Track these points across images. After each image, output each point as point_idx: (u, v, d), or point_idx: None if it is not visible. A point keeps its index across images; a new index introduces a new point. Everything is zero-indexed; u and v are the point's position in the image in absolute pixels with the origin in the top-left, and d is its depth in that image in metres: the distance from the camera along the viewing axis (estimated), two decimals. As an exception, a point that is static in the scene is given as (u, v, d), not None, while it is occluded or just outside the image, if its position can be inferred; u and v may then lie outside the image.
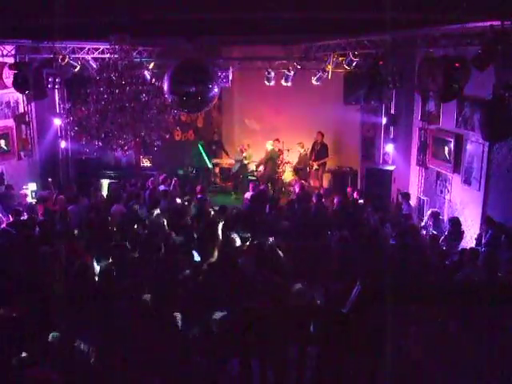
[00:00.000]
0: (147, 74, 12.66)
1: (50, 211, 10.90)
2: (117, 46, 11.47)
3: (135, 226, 9.88)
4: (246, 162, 15.55)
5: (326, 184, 15.51)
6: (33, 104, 13.80)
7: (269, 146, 15.18)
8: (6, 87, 12.97)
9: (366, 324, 3.57)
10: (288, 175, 15.80)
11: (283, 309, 6.05)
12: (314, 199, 11.60)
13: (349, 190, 13.36)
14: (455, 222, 10.02)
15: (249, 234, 8.98)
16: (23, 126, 13.73)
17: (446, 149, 11.55)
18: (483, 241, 9.32)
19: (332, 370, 4.16)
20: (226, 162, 16.27)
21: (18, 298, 6.61)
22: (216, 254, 8.41)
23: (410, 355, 4.00)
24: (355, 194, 12.53)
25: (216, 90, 11.37)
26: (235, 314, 6.05)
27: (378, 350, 3.65)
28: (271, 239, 8.46)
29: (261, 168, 15.52)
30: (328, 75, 13.10)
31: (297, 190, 13.08)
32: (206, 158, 15.69)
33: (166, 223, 9.87)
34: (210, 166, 15.78)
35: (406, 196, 12.14)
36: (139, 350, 5.60)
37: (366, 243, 8.76)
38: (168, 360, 5.58)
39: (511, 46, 7.75)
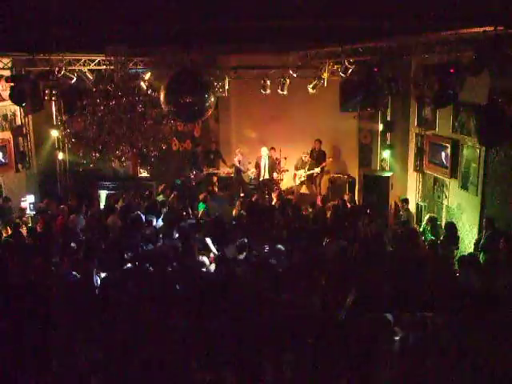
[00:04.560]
0: (143, 85, 12.67)
1: (50, 223, 10.89)
2: (112, 58, 11.49)
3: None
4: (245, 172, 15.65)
5: (324, 191, 15.52)
6: (30, 116, 13.82)
7: (264, 152, 15.27)
8: (2, 100, 13.00)
9: (361, 330, 3.58)
10: (286, 183, 15.83)
11: (280, 315, 6.08)
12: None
13: (346, 197, 13.39)
14: (450, 227, 10.04)
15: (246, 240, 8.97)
16: (20, 139, 13.75)
17: (443, 154, 11.58)
18: (481, 243, 9.34)
19: (327, 374, 4.17)
20: (224, 171, 16.29)
21: (17, 310, 6.61)
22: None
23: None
24: (352, 201, 12.55)
25: (212, 99, 11.40)
26: (234, 320, 6.08)
27: (373, 356, 3.66)
28: (267, 247, 8.48)
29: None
30: (324, 83, 13.15)
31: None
32: None
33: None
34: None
35: (405, 202, 12.15)
36: (141, 360, 5.60)
37: (364, 250, 8.76)
38: (169, 370, 5.57)
39: (505, 52, 7.78)
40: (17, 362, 5.44)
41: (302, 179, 15.38)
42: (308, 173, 15.22)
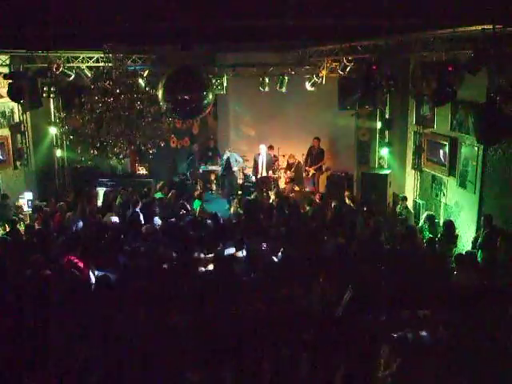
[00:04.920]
0: (142, 82, 12.66)
1: (48, 220, 10.87)
2: (111, 55, 11.48)
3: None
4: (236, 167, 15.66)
5: (322, 189, 15.53)
6: (28, 113, 13.79)
7: (262, 149, 15.28)
8: (0, 97, 12.97)
9: (358, 327, 3.57)
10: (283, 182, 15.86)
11: (278, 312, 6.07)
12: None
13: (346, 193, 13.37)
14: (449, 225, 10.05)
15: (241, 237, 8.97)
16: (19, 136, 13.73)
17: (441, 152, 11.58)
18: (479, 241, 9.35)
19: (325, 371, 4.16)
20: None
21: (15, 308, 6.60)
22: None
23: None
24: (351, 199, 12.56)
25: (211, 97, 11.39)
26: (231, 317, 6.08)
27: (371, 353, 3.66)
28: (265, 245, 8.48)
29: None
30: (322, 81, 13.16)
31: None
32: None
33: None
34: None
35: (404, 199, 12.16)
36: (140, 359, 5.59)
37: (361, 248, 8.77)
38: (167, 369, 5.58)
39: (503, 50, 7.78)
40: (16, 362, 5.43)
41: (287, 180, 15.43)
42: (292, 176, 15.29)
